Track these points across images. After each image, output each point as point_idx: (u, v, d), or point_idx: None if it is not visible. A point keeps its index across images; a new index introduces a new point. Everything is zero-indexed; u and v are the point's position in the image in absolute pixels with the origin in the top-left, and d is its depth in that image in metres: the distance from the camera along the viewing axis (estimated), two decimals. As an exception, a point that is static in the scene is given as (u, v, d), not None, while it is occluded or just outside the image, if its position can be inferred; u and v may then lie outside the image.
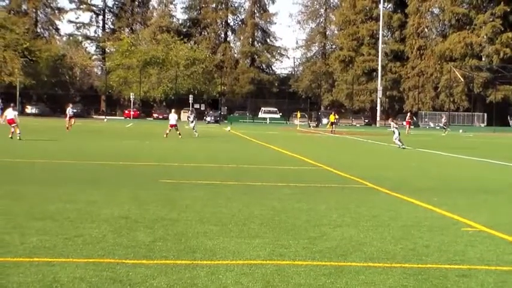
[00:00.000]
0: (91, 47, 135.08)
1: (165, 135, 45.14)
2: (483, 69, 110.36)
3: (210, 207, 13.95)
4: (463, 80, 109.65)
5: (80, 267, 8.59)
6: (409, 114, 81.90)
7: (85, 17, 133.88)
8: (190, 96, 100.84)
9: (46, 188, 16.56)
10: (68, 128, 50.80)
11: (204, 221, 12.29)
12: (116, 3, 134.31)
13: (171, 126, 46.35)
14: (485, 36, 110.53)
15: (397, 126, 41.61)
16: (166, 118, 49.18)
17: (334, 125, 69.25)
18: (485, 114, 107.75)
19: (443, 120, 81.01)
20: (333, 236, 11.18)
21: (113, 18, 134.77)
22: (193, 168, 23.55)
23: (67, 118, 52.44)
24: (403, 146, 39.56)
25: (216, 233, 11.17)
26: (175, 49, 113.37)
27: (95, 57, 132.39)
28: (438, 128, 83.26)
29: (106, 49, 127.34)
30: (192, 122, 49.76)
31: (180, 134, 45.20)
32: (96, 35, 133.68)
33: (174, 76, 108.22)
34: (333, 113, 73.25)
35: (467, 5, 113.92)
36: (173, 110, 49.45)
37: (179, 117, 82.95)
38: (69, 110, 52.66)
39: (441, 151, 38.85)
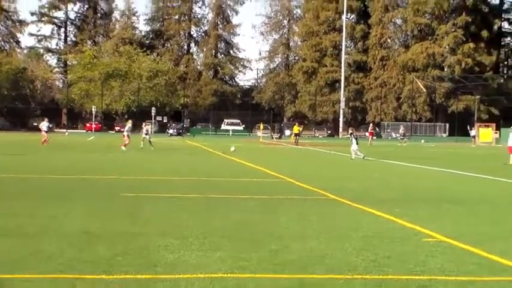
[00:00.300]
0: (52, 60, 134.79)
1: (123, 147, 44.55)
2: (445, 79, 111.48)
3: (171, 221, 13.88)
4: (425, 91, 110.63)
5: (39, 283, 8.48)
6: (371, 124, 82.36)
7: (46, 29, 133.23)
8: (153, 108, 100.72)
9: (5, 202, 16.35)
10: (43, 142, 49.83)
11: (165, 234, 12.21)
12: (78, 15, 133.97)
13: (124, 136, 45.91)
14: (447, 47, 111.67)
15: (356, 136, 41.52)
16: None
17: (297, 137, 69.08)
18: (447, 125, 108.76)
19: (400, 131, 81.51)
20: (294, 248, 11.16)
21: (75, 30, 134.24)
22: (156, 181, 23.43)
23: (42, 133, 51.24)
24: (362, 157, 39.48)
25: (177, 246, 11.10)
26: (138, 61, 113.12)
27: (56, 70, 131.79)
28: (399, 139, 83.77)
29: (68, 62, 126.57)
30: (147, 134, 48.86)
31: (125, 146, 44.64)
32: (57, 48, 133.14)
33: (136, 88, 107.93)
34: (296, 124, 73.13)
35: (430, 15, 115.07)
36: (130, 121, 49.49)
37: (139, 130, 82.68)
38: (44, 125, 51.55)
39: (403, 161, 39.06)
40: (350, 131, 43.02)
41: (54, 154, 39.20)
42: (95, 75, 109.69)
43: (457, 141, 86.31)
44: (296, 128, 69.87)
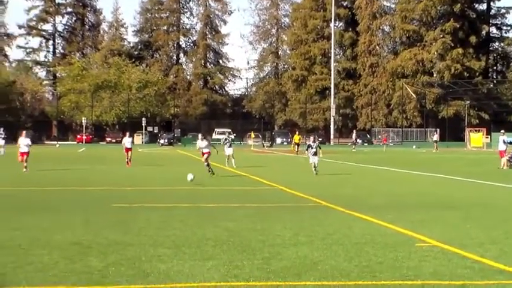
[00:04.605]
0: (41, 72, 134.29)
1: (127, 165, 42.25)
2: (435, 85, 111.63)
3: (163, 230, 13.83)
4: (415, 97, 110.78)
5: (31, 296, 8.44)
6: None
7: (35, 42, 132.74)
8: (143, 119, 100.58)
9: (-3, 215, 16.29)
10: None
11: (157, 244, 12.19)
12: (66, 27, 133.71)
13: (127, 150, 43.31)
14: (435, 53, 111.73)
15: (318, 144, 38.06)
16: (120, 141, 48.08)
17: (298, 146, 66.42)
18: (438, 130, 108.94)
19: (353, 136, 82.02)
20: (287, 256, 11.14)
21: (63, 42, 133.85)
22: (147, 192, 23.38)
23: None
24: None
25: (170, 256, 11.07)
26: (127, 72, 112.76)
27: (45, 82, 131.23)
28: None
29: (57, 74, 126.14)
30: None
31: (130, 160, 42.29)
32: (46, 60, 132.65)
33: (126, 99, 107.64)
34: (297, 133, 71.14)
35: (418, 22, 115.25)
36: (127, 134, 45.33)
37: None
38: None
39: (395, 167, 39.09)
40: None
41: (44, 166, 38.92)
42: (85, 87, 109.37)
43: (448, 147, 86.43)
44: (296, 137, 67.79)
